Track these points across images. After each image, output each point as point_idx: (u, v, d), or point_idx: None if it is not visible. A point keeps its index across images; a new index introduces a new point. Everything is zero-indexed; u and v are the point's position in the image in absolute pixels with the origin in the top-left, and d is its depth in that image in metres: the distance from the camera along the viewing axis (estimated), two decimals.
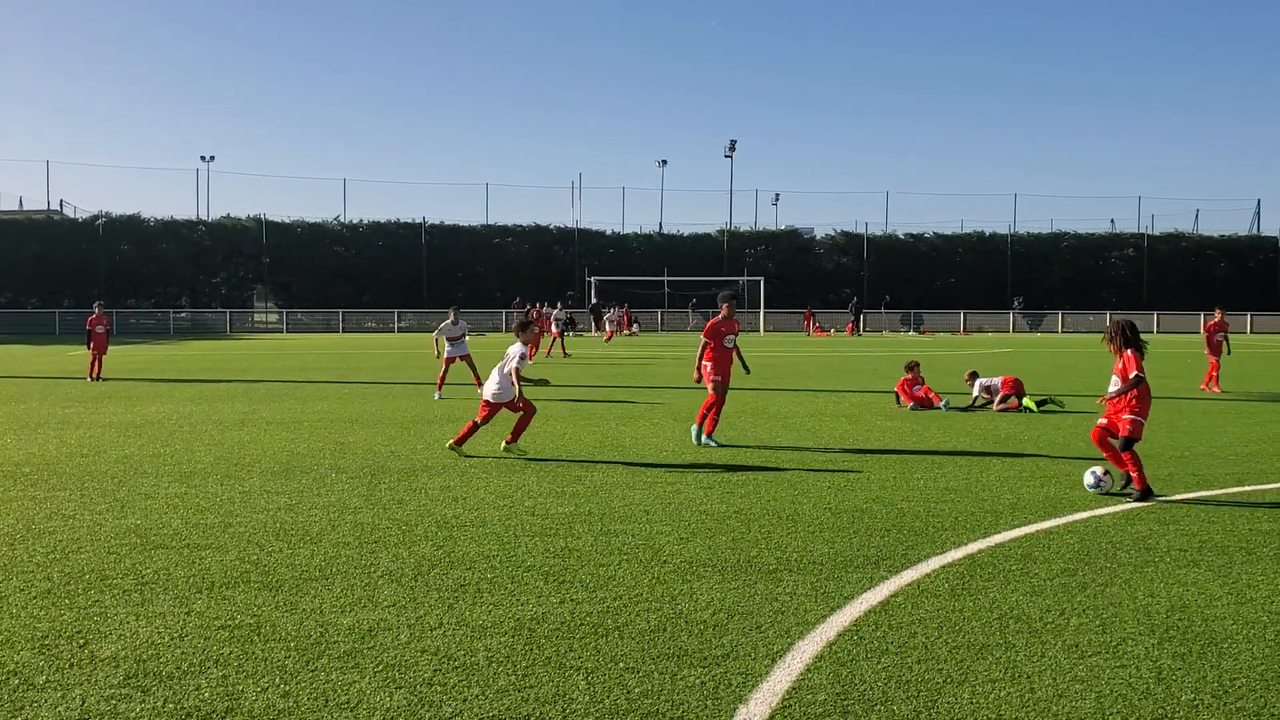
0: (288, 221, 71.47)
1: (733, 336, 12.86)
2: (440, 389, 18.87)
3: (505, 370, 11.52)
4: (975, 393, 17.14)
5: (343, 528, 7.89)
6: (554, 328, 35.50)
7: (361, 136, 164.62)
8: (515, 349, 11.68)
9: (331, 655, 5.08)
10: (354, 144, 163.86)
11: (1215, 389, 20.31)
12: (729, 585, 6.34)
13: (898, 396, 17.34)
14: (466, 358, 19.54)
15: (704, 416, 12.50)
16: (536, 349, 30.90)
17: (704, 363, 12.71)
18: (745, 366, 13.26)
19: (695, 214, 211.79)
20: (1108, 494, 9.18)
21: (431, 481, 9.88)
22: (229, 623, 5.58)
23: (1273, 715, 4.40)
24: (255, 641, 5.28)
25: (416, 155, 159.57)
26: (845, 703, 4.51)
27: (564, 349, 34.17)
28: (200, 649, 5.16)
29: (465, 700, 4.54)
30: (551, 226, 75.31)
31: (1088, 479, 9.33)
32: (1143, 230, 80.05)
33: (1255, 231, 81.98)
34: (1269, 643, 5.31)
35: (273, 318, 68.39)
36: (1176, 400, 18.54)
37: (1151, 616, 5.75)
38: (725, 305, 12.98)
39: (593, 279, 64.74)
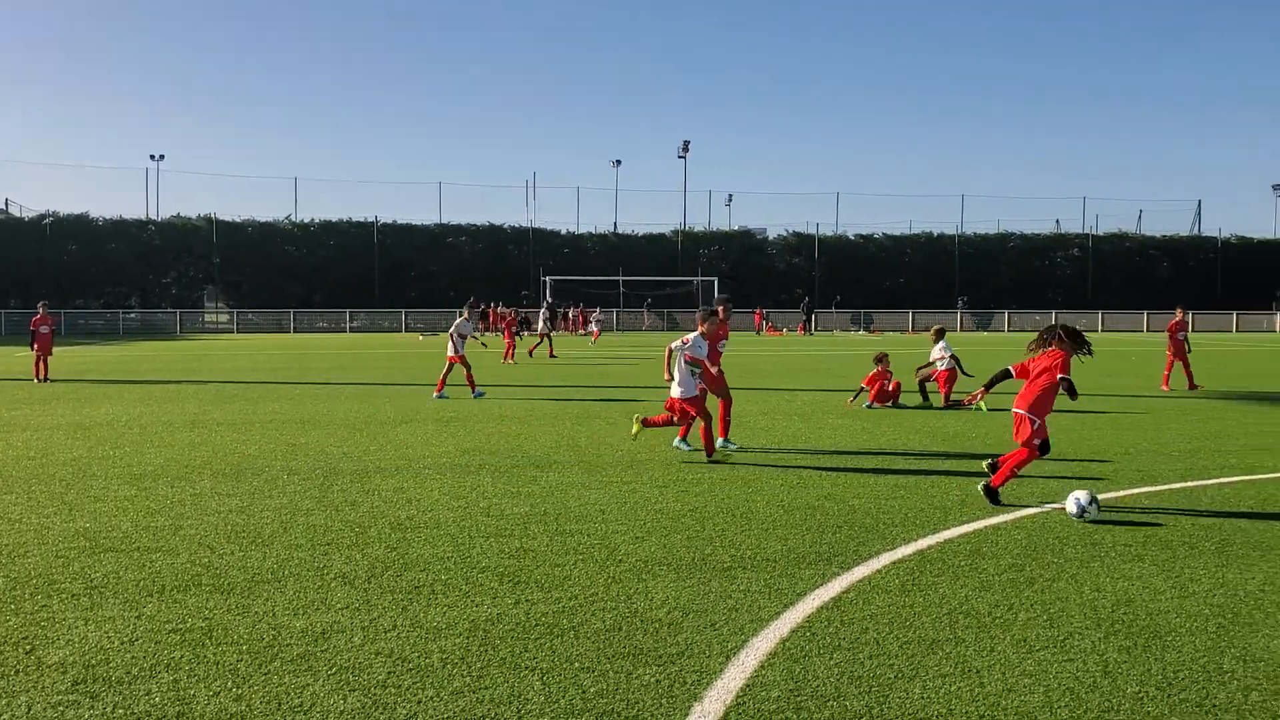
0: (238, 221, 70.74)
1: (724, 341, 12.69)
2: (441, 389, 18.73)
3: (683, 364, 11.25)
4: (938, 354, 17.61)
5: (295, 530, 7.83)
6: (541, 326, 35.49)
7: (313, 135, 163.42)
8: (692, 338, 11.43)
9: (284, 658, 5.05)
10: (305, 143, 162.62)
11: (1165, 387, 20.64)
12: (684, 583, 6.37)
13: (857, 393, 17.51)
14: (463, 358, 19.34)
15: (723, 425, 12.30)
16: (514, 349, 30.75)
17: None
18: (708, 369, 13.15)
19: (649, 214, 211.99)
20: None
21: (385, 483, 9.83)
22: (180, 626, 5.52)
23: (1215, 705, 4.51)
24: (207, 645, 5.23)
25: (369, 154, 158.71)
26: (798, 699, 4.56)
27: (551, 349, 33.98)
28: (150, 653, 5.11)
29: (420, 702, 4.53)
30: (505, 226, 75.13)
31: (1070, 506, 8.19)
32: (1087, 230, 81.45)
33: (1196, 232, 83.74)
34: (1211, 635, 5.44)
35: (223, 318, 67.59)
36: (1122, 398, 18.88)
37: (1098, 610, 5.86)
38: (721, 308, 12.77)
39: (547, 278, 64.63)
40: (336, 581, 6.42)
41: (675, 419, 11.46)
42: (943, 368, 17.51)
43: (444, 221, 74.79)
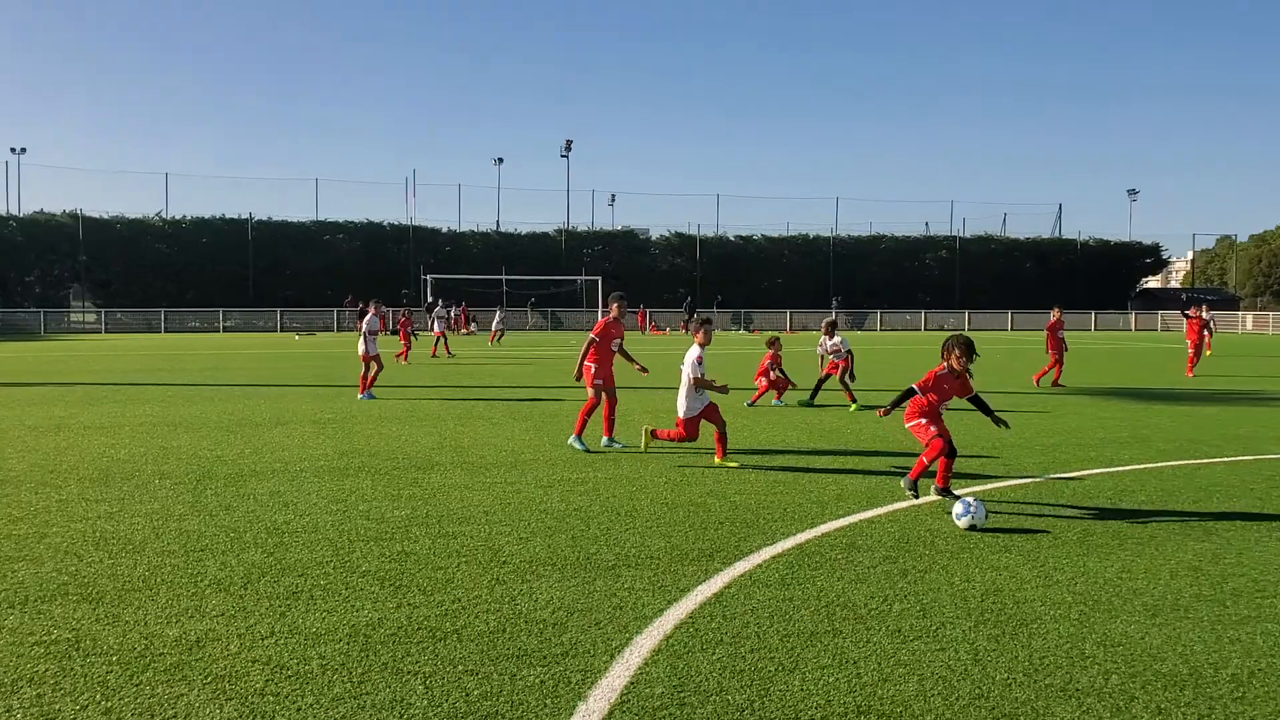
0: (106, 218, 68.11)
1: (619, 340, 12.51)
2: (365, 389, 18.49)
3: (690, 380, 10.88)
4: (832, 346, 17.89)
5: (167, 536, 7.58)
6: (435, 326, 34.78)
7: (184, 129, 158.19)
8: (693, 353, 10.97)
9: (157, 668, 4.90)
10: (176, 137, 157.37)
11: (1034, 383, 21.42)
12: (568, 583, 6.39)
13: (760, 393, 17.74)
14: (376, 356, 18.97)
15: (582, 423, 11.99)
16: (410, 349, 30.21)
17: (587, 363, 12.28)
18: (641, 367, 13.11)
19: (532, 213, 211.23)
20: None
21: (260, 486, 9.60)
22: (45, 638, 5.30)
23: (1078, 690, 4.72)
24: (74, 657, 5.04)
25: (243, 149, 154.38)
26: (682, 695, 4.62)
27: (448, 348, 33.38)
28: (13, 667, 4.90)
29: (299, 710, 4.45)
30: (385, 223, 74.11)
31: (958, 509, 7.96)
32: (955, 233, 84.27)
33: (1058, 234, 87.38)
34: (1073, 621, 5.69)
35: (90, 318, 64.99)
36: (987, 394, 19.56)
37: (968, 600, 6.08)
38: (616, 305, 12.57)
39: (428, 277, 63.84)
40: (211, 588, 6.25)
41: (684, 434, 11.04)
42: (837, 359, 17.77)
43: (321, 218, 73.34)
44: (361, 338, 19.19)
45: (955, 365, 8.84)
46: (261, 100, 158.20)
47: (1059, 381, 21.41)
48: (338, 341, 47.65)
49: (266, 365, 28.47)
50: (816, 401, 17.56)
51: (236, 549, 7.22)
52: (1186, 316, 25.76)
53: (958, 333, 9.59)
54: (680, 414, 10.99)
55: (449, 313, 60.35)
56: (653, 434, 11.35)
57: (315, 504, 8.81)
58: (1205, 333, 25.17)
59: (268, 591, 6.19)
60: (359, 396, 18.12)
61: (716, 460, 10.98)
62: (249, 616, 5.70)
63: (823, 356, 18.14)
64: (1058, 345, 21.78)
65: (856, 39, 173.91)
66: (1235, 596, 6.16)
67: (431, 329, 34.38)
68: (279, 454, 11.58)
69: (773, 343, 17.94)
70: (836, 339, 18.02)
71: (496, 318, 50.06)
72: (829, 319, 18.89)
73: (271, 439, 12.80)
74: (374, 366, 18.85)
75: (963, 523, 7.84)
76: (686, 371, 10.92)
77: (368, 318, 19.72)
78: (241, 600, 6.01)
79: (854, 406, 16.82)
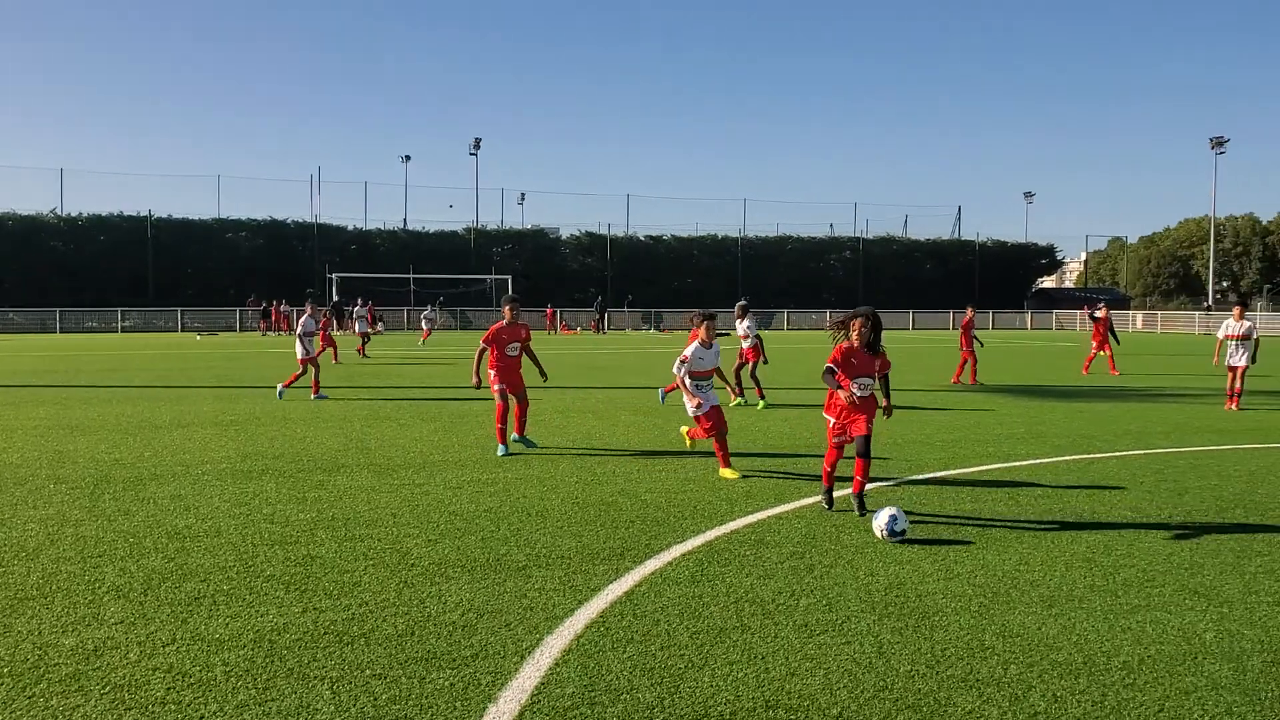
0: None
1: (517, 344, 12.00)
2: (317, 390, 18.22)
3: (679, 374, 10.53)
4: (742, 330, 17.83)
5: (63, 542, 7.35)
6: (357, 326, 34.08)
7: (81, 124, 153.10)
8: (690, 352, 10.58)
9: (52, 679, 4.75)
10: (72, 132, 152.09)
11: (967, 381, 21.87)
12: (478, 585, 6.36)
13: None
14: (315, 359, 18.62)
15: (501, 431, 11.61)
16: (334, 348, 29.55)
17: (488, 370, 11.92)
18: (542, 372, 12.90)
19: (441, 211, 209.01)
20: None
21: (161, 490, 9.35)
22: None
23: (978, 680, 4.85)
24: None
25: (142, 145, 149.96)
26: (592, 694, 4.64)
27: (362, 349, 32.66)
28: None
29: (202, 718, 4.36)
30: (289, 221, 72.69)
31: (881, 519, 7.59)
32: (858, 234, 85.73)
33: (957, 235, 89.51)
34: (973, 613, 5.85)
35: None
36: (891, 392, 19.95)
37: (872, 594, 6.21)
38: (508, 308, 12.07)
39: (333, 275, 62.79)
40: (110, 595, 6.08)
41: (710, 429, 10.46)
42: (747, 345, 17.74)
43: (223, 216, 71.64)
44: (298, 340, 18.81)
45: (855, 338, 8.48)
46: (161, 96, 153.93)
47: (976, 379, 21.93)
48: (241, 341, 46.61)
49: (167, 366, 27.73)
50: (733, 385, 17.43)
51: (136, 555, 7.03)
52: (1094, 319, 26.66)
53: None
54: (691, 412, 10.55)
55: (357, 313, 59.54)
56: (690, 435, 11.33)
57: (218, 507, 8.62)
58: (1110, 333, 25.99)
59: (169, 598, 6.04)
60: (312, 398, 17.85)
61: (687, 441, 11.40)
62: (149, 624, 5.56)
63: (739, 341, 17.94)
64: (970, 343, 22.32)
65: (760, 41, 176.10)
66: (1126, 586, 6.40)
67: (352, 330, 33.78)
68: (180, 457, 11.29)
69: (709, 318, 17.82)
70: (747, 322, 17.87)
71: (425, 314, 49.27)
72: (741, 302, 18.65)
73: (172, 441, 12.48)
74: (312, 369, 18.52)
75: (882, 528, 7.52)
76: (675, 371, 10.59)
77: (303, 319, 19.27)
78: (141, 607, 5.86)
79: (761, 404, 16.99)
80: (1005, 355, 35.29)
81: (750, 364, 17.69)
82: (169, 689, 4.66)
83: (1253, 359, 17.21)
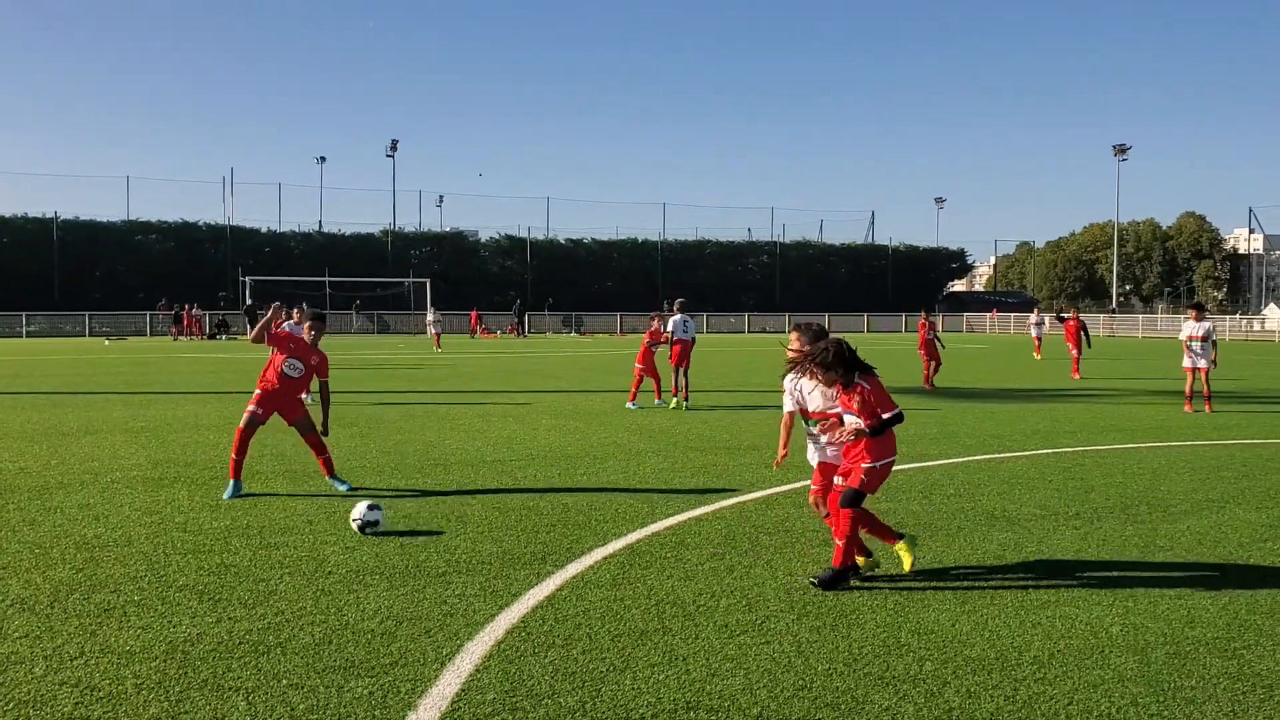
0: None
1: (300, 365, 9.61)
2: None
3: None
4: (675, 319, 18.02)
5: None
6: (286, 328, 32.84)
7: None
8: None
9: None
10: None
11: (930, 386, 22.20)
12: (397, 592, 6.29)
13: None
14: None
15: (236, 461, 9.47)
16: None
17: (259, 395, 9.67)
18: (325, 423, 9.74)
19: (357, 213, 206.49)
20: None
21: (68, 499, 9.09)
22: None
23: (894, 677, 4.94)
24: None
25: (47, 145, 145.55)
26: (514, 699, 4.62)
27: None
28: None
29: None
30: (200, 223, 71.15)
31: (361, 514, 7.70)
32: (775, 238, 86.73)
33: (870, 240, 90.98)
34: (890, 611, 5.95)
35: None
36: None
37: (791, 594, 6.28)
38: (308, 326, 9.89)
39: (247, 279, 61.56)
40: (14, 608, 5.88)
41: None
42: (673, 341, 17.78)
43: (132, 218, 69.84)
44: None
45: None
46: (68, 95, 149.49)
47: (930, 380, 22.30)
48: (151, 346, 45.45)
49: (75, 371, 26.91)
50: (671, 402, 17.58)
51: (42, 566, 6.82)
52: (1062, 319, 27.56)
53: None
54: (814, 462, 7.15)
55: (257, 315, 58.35)
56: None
57: (128, 516, 8.40)
58: (1083, 333, 26.67)
59: (77, 609, 5.88)
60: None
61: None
62: (56, 636, 5.40)
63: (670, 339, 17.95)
64: (928, 345, 22.69)
65: (676, 44, 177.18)
66: (1036, 582, 6.56)
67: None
68: (88, 464, 10.98)
69: (656, 317, 18.01)
70: (678, 317, 17.95)
71: (430, 318, 46.20)
72: (679, 299, 18.91)
73: (80, 449, 12.12)
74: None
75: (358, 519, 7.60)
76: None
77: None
78: (48, 620, 5.68)
79: (675, 403, 17.15)
80: (917, 358, 35.91)
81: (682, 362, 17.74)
82: (77, 704, 4.53)
83: (1213, 361, 17.09)
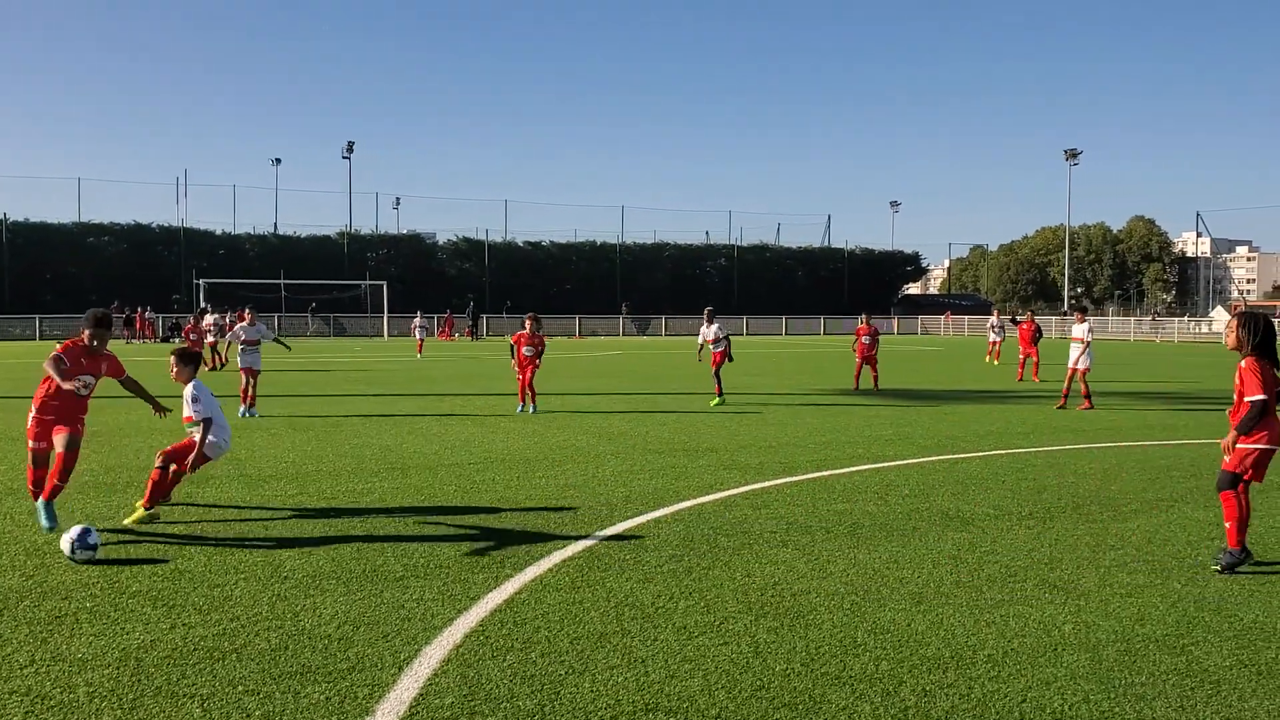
0: None
1: (91, 381, 8.37)
2: (246, 403, 16.69)
3: None
4: (711, 334, 19.25)
5: None
6: (209, 336, 32.05)
7: None
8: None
9: None
10: None
11: (867, 385, 22.33)
12: (354, 596, 6.25)
13: None
14: (256, 374, 17.16)
15: (34, 490, 8.39)
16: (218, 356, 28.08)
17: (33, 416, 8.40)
18: (156, 406, 9.02)
19: (313, 215, 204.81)
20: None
21: (18, 505, 8.94)
22: None
23: (851, 676, 4.98)
24: None
25: None
26: (472, 703, 4.61)
27: (219, 358, 30.65)
28: None
29: None
30: (153, 225, 70.16)
31: (64, 546, 7.02)
32: (733, 242, 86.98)
33: (827, 243, 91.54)
34: (846, 611, 6.00)
35: None
36: (765, 395, 20.34)
37: (749, 595, 6.32)
38: (88, 332, 8.41)
39: (201, 281, 60.80)
40: None
41: None
42: (716, 349, 18.93)
43: (84, 220, 68.78)
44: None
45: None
46: (16, 96, 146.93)
47: (875, 383, 22.41)
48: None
49: (25, 375, 26.44)
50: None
51: None
52: (1015, 323, 27.90)
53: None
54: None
55: (224, 319, 57.61)
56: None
57: (80, 522, 8.25)
58: (1038, 335, 26.88)
59: (27, 617, 5.78)
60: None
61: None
62: (5, 645, 5.31)
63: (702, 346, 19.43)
64: (864, 349, 22.74)
65: (634, 48, 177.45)
66: (990, 582, 6.65)
67: (205, 338, 31.72)
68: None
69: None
70: (715, 325, 19.23)
71: (417, 322, 42.66)
72: (708, 308, 20.06)
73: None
74: (248, 380, 17.07)
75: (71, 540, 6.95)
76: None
77: (239, 325, 18.23)
78: None
79: (715, 402, 18.25)
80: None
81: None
82: (28, 713, 4.47)
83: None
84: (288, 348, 21.22)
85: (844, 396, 20.45)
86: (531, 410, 16.89)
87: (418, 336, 40.90)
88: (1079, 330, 18.46)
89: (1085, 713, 4.56)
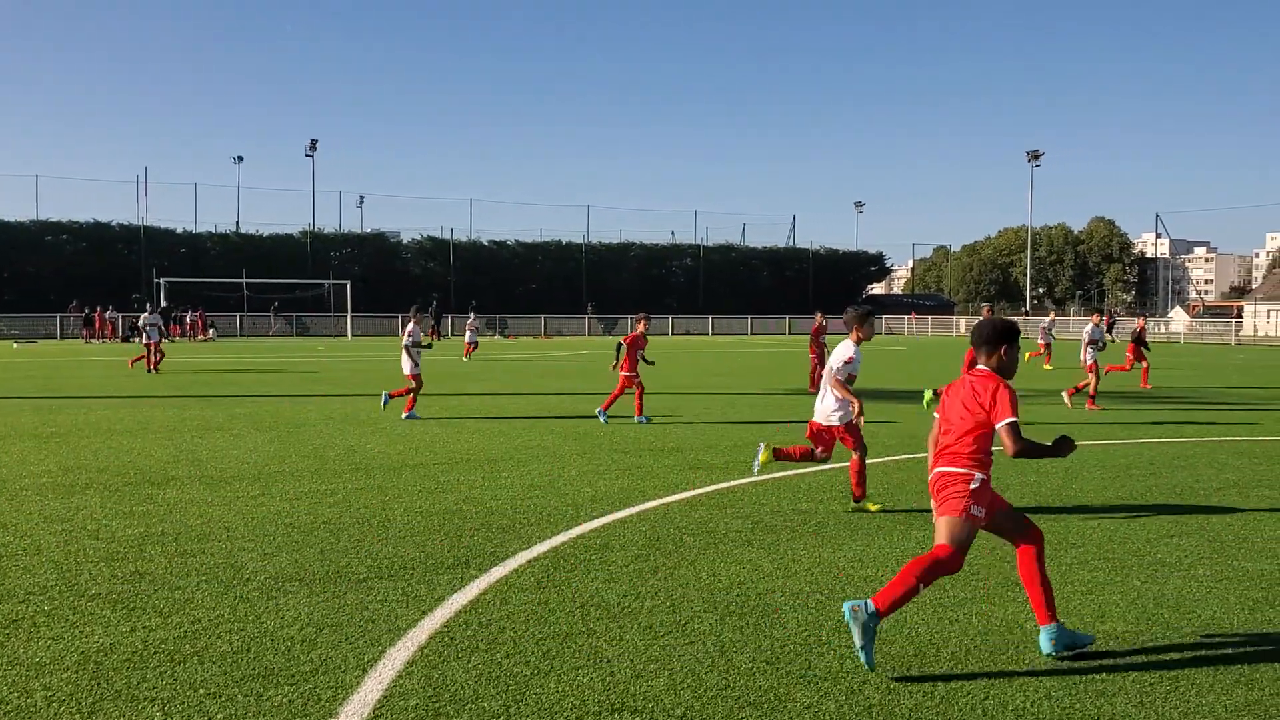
0: None
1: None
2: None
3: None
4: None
5: None
6: (146, 335, 31.11)
7: None
8: (850, 353, 9.01)
9: None
10: None
11: (813, 389, 22.40)
12: (317, 598, 6.20)
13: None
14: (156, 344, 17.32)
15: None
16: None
17: None
18: None
19: (276, 214, 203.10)
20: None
21: None
22: None
23: (816, 675, 5.00)
24: None
25: None
26: (437, 705, 4.59)
27: (157, 362, 29.93)
28: None
29: None
30: (114, 223, 69.40)
31: None
32: (699, 242, 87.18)
33: (792, 244, 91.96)
34: (811, 609, 6.03)
35: None
36: (728, 395, 20.39)
37: (714, 594, 6.33)
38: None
39: (162, 280, 60.15)
40: None
41: (817, 451, 9.18)
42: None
43: (42, 218, 67.86)
44: (404, 353, 16.70)
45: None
46: None
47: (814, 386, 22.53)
48: (62, 350, 44.19)
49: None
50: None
51: None
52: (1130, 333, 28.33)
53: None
54: (828, 423, 9.00)
55: (185, 318, 57.04)
56: (775, 452, 9.16)
57: (37, 524, 8.16)
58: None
59: None
60: (403, 416, 16.07)
61: (854, 503, 8.99)
62: None
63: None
64: (820, 348, 22.86)
65: (600, 48, 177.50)
66: (953, 580, 6.68)
67: (142, 339, 30.41)
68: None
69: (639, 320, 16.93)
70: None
71: (470, 323, 39.93)
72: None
73: None
74: (416, 384, 16.47)
75: None
76: (833, 367, 8.96)
77: (409, 328, 17.06)
78: None
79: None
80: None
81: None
82: None
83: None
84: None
85: (807, 396, 20.53)
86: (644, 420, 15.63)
87: (468, 339, 35.88)
88: (1089, 330, 19.41)
89: (1047, 709, 4.60)
